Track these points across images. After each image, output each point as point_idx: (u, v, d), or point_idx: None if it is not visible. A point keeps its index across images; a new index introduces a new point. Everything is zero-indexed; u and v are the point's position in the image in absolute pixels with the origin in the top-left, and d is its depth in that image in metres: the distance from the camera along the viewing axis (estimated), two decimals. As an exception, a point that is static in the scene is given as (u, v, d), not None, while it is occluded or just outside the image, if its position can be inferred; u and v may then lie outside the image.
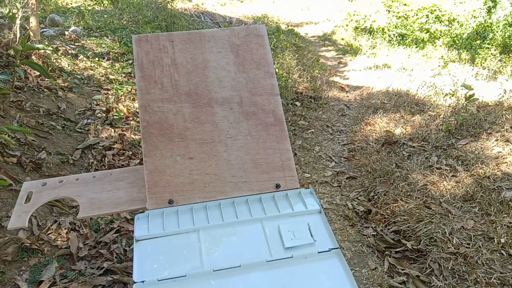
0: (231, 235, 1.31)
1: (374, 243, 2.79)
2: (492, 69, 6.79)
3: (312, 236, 1.28)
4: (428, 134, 4.20)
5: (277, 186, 1.45)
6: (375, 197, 3.26)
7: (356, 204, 3.24)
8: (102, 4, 8.84)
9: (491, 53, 8.15)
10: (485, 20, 10.08)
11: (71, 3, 8.44)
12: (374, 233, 2.90)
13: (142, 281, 1.16)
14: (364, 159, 3.89)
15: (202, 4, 12.27)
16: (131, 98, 4.55)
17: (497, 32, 9.37)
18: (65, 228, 2.45)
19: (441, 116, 4.58)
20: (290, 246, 1.25)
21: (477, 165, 3.39)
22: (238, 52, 1.55)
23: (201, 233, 1.30)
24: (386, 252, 2.68)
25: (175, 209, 1.38)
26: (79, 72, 4.69)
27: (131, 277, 1.19)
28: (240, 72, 1.53)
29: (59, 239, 2.38)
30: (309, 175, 3.73)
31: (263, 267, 1.20)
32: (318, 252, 1.24)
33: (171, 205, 1.39)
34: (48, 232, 2.41)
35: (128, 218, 2.70)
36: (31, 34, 4.52)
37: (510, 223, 2.70)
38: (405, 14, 11.36)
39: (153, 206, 1.38)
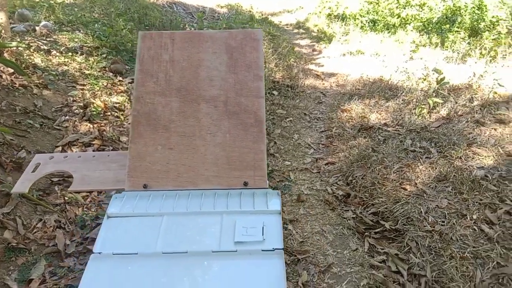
0: (190, 223, 1.38)
1: (354, 225, 2.90)
2: (462, 52, 6.98)
3: (262, 235, 1.33)
4: (402, 118, 4.33)
5: (245, 183, 1.51)
6: (353, 181, 3.36)
7: (336, 189, 3.35)
8: (71, -3, 8.65)
9: (460, 37, 8.37)
10: (453, 4, 10.30)
11: (39, -3, 8.24)
12: (354, 215, 3.00)
13: (99, 253, 1.28)
14: (341, 145, 3.99)
15: (174, -6, 12.13)
16: (108, 92, 4.53)
17: (465, 15, 9.60)
18: (51, 226, 2.47)
19: (414, 100, 4.72)
20: (239, 241, 1.31)
21: (449, 146, 3.53)
22: (232, 54, 1.61)
23: (164, 218, 1.38)
24: (366, 233, 2.79)
25: (149, 194, 1.47)
26: (53, 68, 4.62)
27: None
28: (231, 73, 1.59)
29: (45, 237, 2.39)
30: (289, 162, 3.81)
31: (207, 256, 1.28)
32: (262, 250, 1.29)
33: (145, 189, 1.48)
34: (34, 231, 2.42)
35: (113, 213, 2.72)
36: (2, 30, 4.42)
37: (481, 200, 2.84)
38: (376, 0, 11.49)
39: (129, 188, 1.49)
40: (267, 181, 1.53)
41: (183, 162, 1.52)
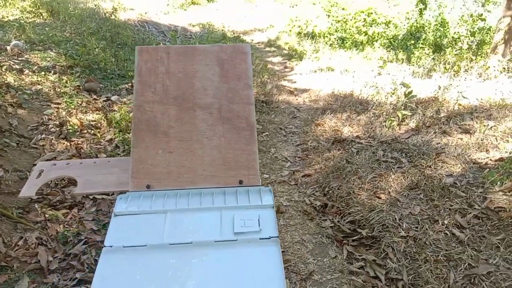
0: (192, 218, 1.49)
1: (332, 234, 2.99)
2: (427, 68, 7.30)
3: (259, 225, 1.46)
4: (373, 130, 4.49)
5: (240, 182, 1.63)
6: (330, 191, 3.47)
7: (313, 200, 3.44)
8: (41, 17, 8.58)
9: (425, 53, 8.74)
10: (417, 22, 10.76)
11: (7, 17, 8.13)
12: (332, 224, 3.09)
13: (111, 246, 1.37)
14: (317, 158, 4.11)
15: (146, 13, 12.19)
16: (83, 111, 4.52)
17: (429, 32, 10.04)
18: (32, 244, 2.45)
19: (384, 113, 4.91)
20: (238, 232, 1.44)
21: (419, 156, 3.69)
22: (223, 66, 1.74)
23: (168, 215, 1.49)
24: (344, 241, 2.88)
25: (151, 193, 1.58)
26: (26, 87, 4.58)
27: None
28: (223, 83, 1.72)
29: (27, 255, 2.37)
30: (268, 175, 3.89)
31: (211, 246, 1.40)
32: (260, 239, 1.42)
33: (148, 189, 1.59)
34: (15, 248, 2.40)
35: (95, 229, 2.73)
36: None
37: (452, 206, 2.98)
38: (344, 18, 11.87)
39: (133, 189, 1.59)
40: (260, 179, 1.64)
41: (183, 164, 1.63)
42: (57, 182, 3.16)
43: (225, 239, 1.42)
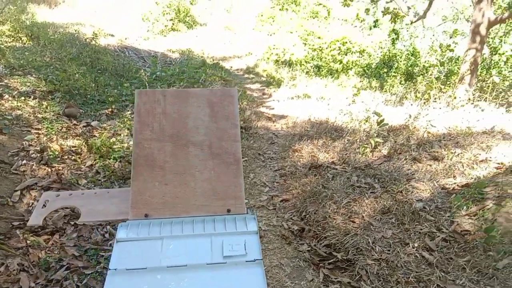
0: (186, 244, 1.66)
1: (309, 258, 3.10)
2: (399, 96, 7.61)
3: (245, 249, 1.64)
4: (348, 157, 4.67)
5: (228, 210, 1.81)
6: (307, 216, 3.59)
7: (291, 224, 3.55)
8: (21, 41, 8.62)
9: (397, 81, 9.11)
10: (389, 51, 11.21)
11: (-15, 41, 8.13)
12: (309, 248, 3.20)
13: (115, 269, 1.53)
14: (294, 183, 4.24)
15: (126, 39, 12.32)
16: (64, 136, 4.56)
17: (401, 61, 10.48)
18: (14, 270, 2.47)
19: (358, 140, 5.11)
20: (227, 255, 1.62)
21: (391, 182, 3.87)
22: (213, 108, 1.95)
23: (164, 240, 1.66)
24: (321, 264, 2.99)
25: (149, 222, 1.74)
26: (6, 113, 4.61)
27: None
28: (213, 123, 1.93)
29: (9, 281, 2.39)
30: (247, 200, 3.99)
31: (203, 268, 1.57)
32: (246, 261, 1.61)
33: (146, 218, 1.76)
34: (-3, 274, 2.42)
35: (77, 255, 2.76)
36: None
37: (421, 229, 3.14)
38: (320, 47, 12.27)
39: (133, 218, 1.76)
40: (246, 208, 1.82)
41: (177, 195, 1.81)
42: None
43: (215, 262, 1.59)
